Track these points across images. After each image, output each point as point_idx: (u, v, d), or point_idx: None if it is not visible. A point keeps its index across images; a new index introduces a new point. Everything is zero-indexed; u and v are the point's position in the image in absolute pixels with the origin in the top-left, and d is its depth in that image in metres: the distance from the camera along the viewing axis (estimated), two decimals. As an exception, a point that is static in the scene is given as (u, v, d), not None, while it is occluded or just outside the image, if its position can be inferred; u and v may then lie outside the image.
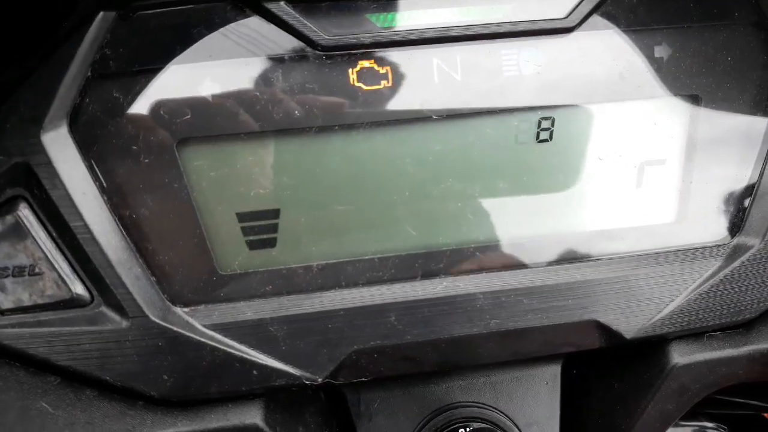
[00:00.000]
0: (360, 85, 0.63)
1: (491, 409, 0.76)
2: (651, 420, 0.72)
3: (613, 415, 0.75)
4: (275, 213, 0.64)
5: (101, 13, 0.58)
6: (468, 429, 0.71)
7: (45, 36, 0.65)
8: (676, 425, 0.99)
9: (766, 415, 1.01)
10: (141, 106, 0.60)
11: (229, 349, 0.63)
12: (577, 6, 0.63)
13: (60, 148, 0.58)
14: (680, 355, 0.70)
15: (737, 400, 0.87)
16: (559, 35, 0.64)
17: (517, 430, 0.75)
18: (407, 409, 0.76)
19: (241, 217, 0.64)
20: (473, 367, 0.75)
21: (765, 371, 0.71)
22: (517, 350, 0.69)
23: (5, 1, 0.60)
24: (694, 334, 0.71)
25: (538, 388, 0.77)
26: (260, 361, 0.63)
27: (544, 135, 0.66)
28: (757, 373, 0.71)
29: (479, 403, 0.77)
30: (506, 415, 0.76)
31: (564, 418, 0.78)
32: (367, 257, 0.66)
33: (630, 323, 0.68)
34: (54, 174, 0.58)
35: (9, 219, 0.59)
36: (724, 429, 1.00)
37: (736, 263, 0.69)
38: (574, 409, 0.79)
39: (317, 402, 0.76)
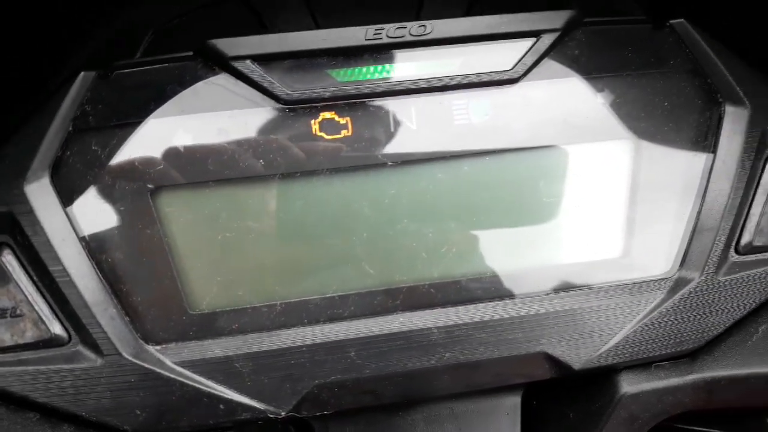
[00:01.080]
0: (322, 134, 0.70)
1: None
2: None
3: None
4: (241, 255, 0.71)
5: (82, 73, 0.66)
6: None
7: (32, 94, 0.73)
8: None
9: None
10: (117, 158, 0.67)
11: (197, 385, 0.69)
12: (522, 59, 0.71)
13: (42, 197, 0.65)
14: (629, 385, 0.77)
15: (696, 428, 0.94)
16: (505, 86, 0.72)
17: None
18: None
19: (210, 259, 0.71)
20: (436, 399, 0.81)
21: (710, 399, 0.77)
22: (471, 382, 0.76)
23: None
24: (642, 364, 0.78)
25: (499, 418, 0.83)
26: (227, 396, 0.70)
27: (494, 177, 0.74)
28: (702, 401, 0.77)
29: None
30: (468, 446, 0.82)
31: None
32: (327, 295, 0.73)
33: (578, 355, 0.75)
34: (35, 222, 0.65)
35: None
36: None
37: (678, 296, 0.76)
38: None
39: (285, 435, 0.82)
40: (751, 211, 0.78)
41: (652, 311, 0.76)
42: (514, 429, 0.81)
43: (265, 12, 0.85)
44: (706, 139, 0.76)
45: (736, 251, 0.78)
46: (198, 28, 0.85)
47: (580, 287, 0.76)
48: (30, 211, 0.65)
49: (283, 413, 0.71)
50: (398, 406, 0.80)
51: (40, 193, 0.65)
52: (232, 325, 0.71)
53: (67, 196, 0.66)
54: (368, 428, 0.80)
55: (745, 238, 0.78)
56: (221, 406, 0.69)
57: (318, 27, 0.85)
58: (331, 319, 0.73)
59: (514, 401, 0.82)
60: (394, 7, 0.86)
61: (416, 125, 0.71)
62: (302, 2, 0.86)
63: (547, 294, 0.76)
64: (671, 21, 0.75)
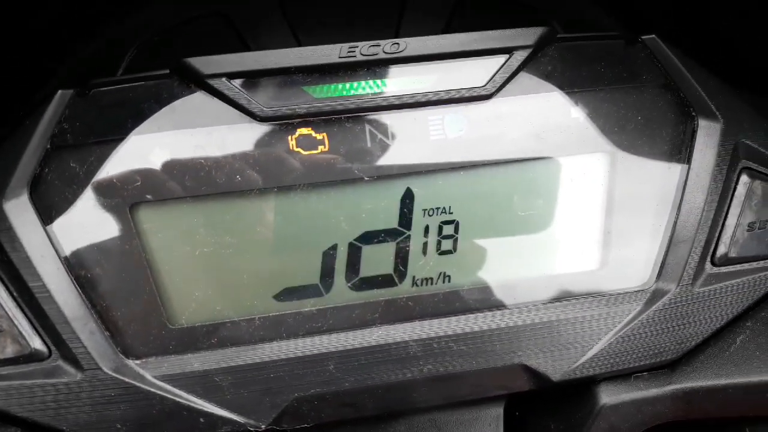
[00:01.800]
0: (299, 150, 0.71)
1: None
2: None
3: None
4: (220, 270, 0.73)
5: (60, 91, 0.68)
6: None
7: (11, 112, 0.75)
8: None
9: None
10: (96, 175, 0.68)
11: (177, 399, 0.70)
12: (494, 75, 0.73)
13: (20, 214, 0.66)
14: (608, 396, 0.78)
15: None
16: (479, 102, 0.74)
17: None
18: None
19: (189, 274, 0.72)
20: (419, 411, 0.83)
21: (689, 410, 0.78)
22: (450, 394, 0.77)
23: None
24: (621, 375, 0.79)
25: (481, 429, 0.84)
26: (206, 410, 0.71)
27: (470, 192, 0.75)
28: (682, 411, 0.78)
29: None
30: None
31: (506, 459, 0.85)
32: (306, 309, 0.74)
33: (556, 366, 0.76)
34: (15, 238, 0.66)
35: None
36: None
37: (655, 307, 0.77)
38: (515, 450, 0.87)
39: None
40: (726, 223, 0.79)
41: (629, 323, 0.77)
42: None
43: (246, 30, 0.87)
44: (680, 153, 0.78)
45: (712, 263, 0.79)
46: (180, 45, 0.87)
47: (558, 299, 0.78)
48: (9, 228, 0.66)
49: (263, 426, 0.72)
50: (380, 417, 0.81)
51: (19, 211, 0.66)
52: (211, 339, 0.72)
53: (46, 213, 0.68)
54: (350, 441, 0.81)
55: (721, 250, 0.79)
56: (201, 420, 0.70)
57: (299, 44, 0.87)
58: (310, 333, 0.74)
59: (496, 412, 0.83)
60: (374, 24, 0.88)
61: (392, 140, 0.73)
62: (283, 20, 0.88)
63: (525, 306, 0.77)
64: (643, 37, 0.77)
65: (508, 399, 0.84)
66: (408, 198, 0.74)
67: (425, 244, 0.76)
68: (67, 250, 0.69)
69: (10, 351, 0.68)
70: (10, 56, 0.79)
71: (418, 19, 0.92)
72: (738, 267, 0.80)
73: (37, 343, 0.69)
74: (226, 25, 0.90)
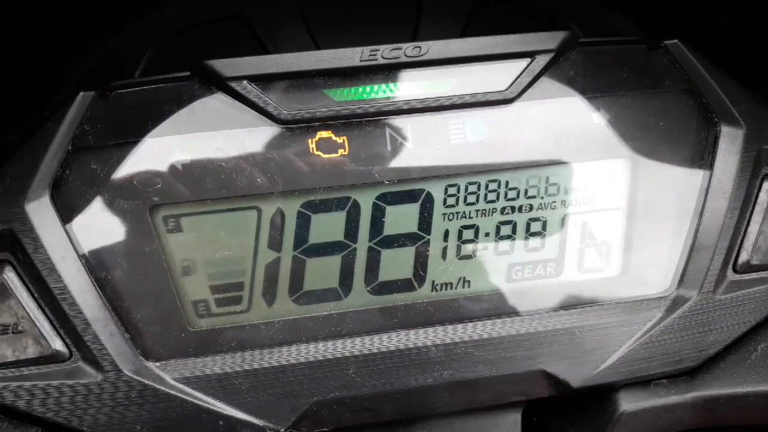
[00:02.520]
0: (319, 153, 0.72)
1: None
2: None
3: None
4: (240, 273, 0.73)
5: (81, 93, 0.68)
6: None
7: (30, 113, 0.75)
8: None
9: None
10: (116, 177, 0.69)
11: (197, 401, 0.71)
12: (516, 79, 0.73)
13: (42, 216, 0.67)
14: (628, 403, 0.78)
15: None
16: (501, 106, 0.74)
17: None
18: None
19: (209, 277, 0.73)
20: (436, 416, 0.83)
21: (710, 417, 0.78)
22: (469, 400, 0.77)
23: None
24: (641, 382, 0.79)
25: None
26: (225, 413, 0.71)
27: (491, 196, 0.76)
28: (702, 419, 0.78)
29: None
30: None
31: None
32: (325, 313, 0.75)
33: (576, 373, 0.76)
34: (36, 240, 0.67)
35: None
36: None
37: (677, 314, 0.77)
38: (533, 457, 0.87)
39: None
40: (749, 230, 0.79)
41: (650, 329, 0.77)
42: None
43: (263, 31, 0.88)
44: (702, 159, 0.78)
45: (734, 270, 0.79)
46: (198, 47, 0.87)
47: (579, 305, 0.78)
48: (30, 229, 0.67)
49: (282, 430, 0.72)
50: (398, 422, 0.81)
51: (41, 212, 0.67)
52: (230, 342, 0.73)
53: (66, 214, 0.68)
54: (366, 446, 0.81)
55: (743, 257, 0.79)
56: (221, 422, 0.71)
57: (317, 46, 0.88)
58: (329, 337, 0.74)
59: (514, 418, 0.83)
60: (391, 26, 0.89)
61: (413, 144, 0.73)
62: (301, 22, 0.88)
63: (546, 312, 0.77)
64: (665, 42, 0.77)
65: (526, 405, 0.84)
66: (428, 202, 0.74)
67: (445, 249, 0.76)
68: (88, 251, 0.69)
69: (31, 352, 0.69)
70: (23, 58, 0.80)
71: (435, 21, 0.93)
72: (760, 274, 0.80)
73: (58, 345, 0.69)
74: (244, 27, 0.91)
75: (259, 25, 0.90)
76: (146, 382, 0.70)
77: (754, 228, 0.79)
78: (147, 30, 0.89)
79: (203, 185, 0.70)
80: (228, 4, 0.90)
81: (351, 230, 0.74)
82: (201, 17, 0.90)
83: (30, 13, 0.75)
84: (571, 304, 0.78)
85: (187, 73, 0.70)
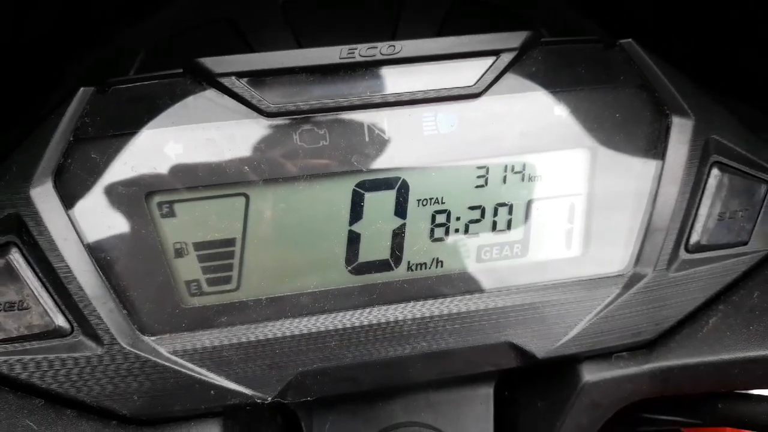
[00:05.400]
0: (302, 144, 0.78)
1: (431, 428, 0.91)
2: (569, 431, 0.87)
3: (537, 429, 0.90)
4: (229, 254, 0.80)
5: (82, 88, 0.74)
6: None
7: (31, 108, 0.82)
8: None
9: (683, 429, 1.16)
10: (114, 165, 0.74)
11: (190, 372, 0.76)
12: (483, 75, 0.80)
13: (45, 201, 0.72)
14: (590, 374, 0.85)
15: (660, 417, 1.03)
16: (469, 100, 0.80)
17: None
18: (355, 429, 0.90)
19: (200, 258, 0.79)
20: (414, 389, 0.90)
21: (666, 387, 0.85)
22: (443, 370, 0.84)
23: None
24: (602, 354, 0.86)
25: (473, 407, 0.91)
26: (217, 383, 0.76)
27: (461, 183, 0.83)
28: (659, 388, 0.85)
29: (420, 422, 0.91)
30: (443, 433, 0.91)
31: (497, 434, 0.92)
32: (309, 291, 0.80)
33: (541, 344, 0.83)
34: (40, 223, 0.72)
35: (1, 262, 0.73)
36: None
37: (633, 290, 0.84)
38: (505, 427, 0.94)
39: (273, 424, 0.89)
40: (699, 213, 0.86)
41: (609, 304, 0.84)
42: (487, 416, 0.89)
43: (249, 32, 0.95)
44: (655, 148, 0.85)
45: (686, 249, 0.87)
46: (188, 48, 0.94)
47: (542, 283, 0.84)
48: (35, 213, 0.72)
49: (269, 398, 0.77)
50: (378, 395, 0.88)
51: (44, 197, 0.72)
52: (221, 318, 0.78)
53: (68, 199, 0.73)
54: (350, 417, 0.87)
55: (694, 238, 0.87)
56: (212, 392, 0.76)
57: (300, 46, 0.95)
58: (313, 312, 0.80)
59: (486, 391, 0.90)
60: (371, 28, 0.97)
61: (389, 135, 0.80)
62: (285, 24, 0.96)
63: (512, 289, 0.83)
64: (621, 41, 0.84)
65: (498, 379, 0.91)
66: (403, 188, 0.80)
67: (419, 232, 0.82)
68: (88, 234, 0.74)
69: (36, 327, 0.74)
70: (25, 59, 0.86)
71: (413, 24, 1.00)
72: (710, 254, 0.87)
73: (60, 320, 0.75)
74: (232, 30, 0.98)
75: (247, 27, 0.97)
76: (143, 354, 0.75)
77: (703, 211, 0.86)
78: (141, 33, 0.95)
79: (195, 173, 0.76)
80: (217, 9, 0.98)
81: (332, 215, 0.80)
82: (192, 21, 0.98)
83: (32, 18, 0.82)
84: (536, 282, 0.84)
85: (180, 70, 0.75)
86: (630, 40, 0.83)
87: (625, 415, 0.89)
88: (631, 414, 0.93)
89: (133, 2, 0.93)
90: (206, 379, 0.76)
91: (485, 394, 0.89)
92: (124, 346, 0.74)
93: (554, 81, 0.81)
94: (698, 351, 0.84)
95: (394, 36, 0.97)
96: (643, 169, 0.85)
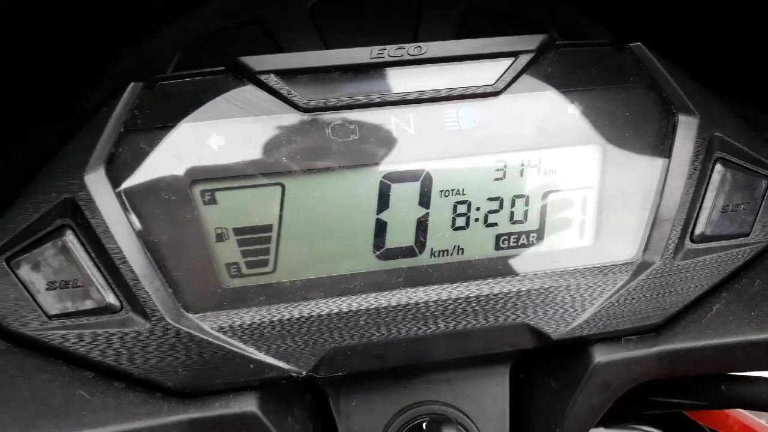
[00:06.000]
0: (334, 137, 0.84)
1: (450, 405, 0.97)
2: (581, 411, 0.90)
3: (550, 407, 0.94)
4: (266, 239, 0.86)
5: (132, 84, 0.81)
6: (428, 421, 0.92)
7: (78, 102, 0.89)
8: (612, 428, 1.19)
9: (687, 413, 1.22)
10: (161, 155, 0.80)
11: (230, 347, 0.81)
12: (502, 75, 0.86)
13: (99, 187, 0.78)
14: (601, 355, 0.90)
15: (666, 399, 1.08)
16: (489, 98, 0.86)
17: (471, 423, 0.96)
18: (380, 406, 0.95)
19: (240, 242, 0.84)
20: (434, 370, 0.96)
21: (672, 368, 0.91)
22: (464, 349, 0.89)
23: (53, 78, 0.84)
24: (612, 337, 0.91)
25: (489, 387, 0.97)
26: (256, 357, 0.81)
27: (481, 176, 0.89)
28: (666, 370, 0.90)
29: (440, 401, 0.97)
30: (463, 411, 0.96)
31: (512, 414, 0.98)
32: (340, 274, 0.85)
33: (555, 327, 0.88)
34: (94, 207, 0.78)
35: (58, 242, 0.78)
36: (656, 433, 1.21)
37: (642, 276, 0.89)
38: (520, 406, 0.99)
39: (304, 400, 0.94)
40: (703, 206, 0.92)
41: (619, 290, 0.89)
42: (503, 395, 0.95)
43: (279, 33, 1.02)
44: (662, 144, 0.91)
45: (691, 240, 0.92)
46: (221, 48, 1.01)
47: (556, 269, 0.90)
48: (89, 198, 0.78)
49: (303, 372, 0.83)
50: (401, 375, 0.94)
51: (98, 183, 0.78)
52: (259, 298, 0.84)
53: (119, 185, 0.79)
54: (375, 394, 0.93)
55: (698, 229, 0.92)
56: (251, 366, 0.81)
57: (326, 46, 1.02)
58: (344, 293, 0.85)
59: (503, 372, 0.96)
60: (393, 29, 1.03)
61: (414, 130, 0.86)
62: (312, 25, 1.03)
63: (528, 275, 0.89)
64: (630, 44, 0.90)
65: (515, 361, 0.97)
66: (427, 180, 0.86)
67: (442, 221, 0.88)
68: (137, 217, 0.80)
69: (88, 304, 0.80)
70: (72, 57, 0.93)
71: (432, 27, 1.07)
72: (713, 244, 0.92)
73: (111, 298, 0.80)
74: (262, 31, 1.05)
75: (276, 28, 1.04)
76: (187, 330, 0.80)
77: (708, 204, 0.91)
78: (177, 34, 1.02)
79: (235, 164, 0.81)
80: (249, 12, 1.05)
81: (361, 204, 0.85)
82: (225, 23, 1.05)
83: (78, 20, 0.89)
84: (550, 269, 0.91)
85: (222, 68, 0.82)
86: (639, 43, 0.89)
87: (632, 397, 0.94)
88: (637, 396, 0.98)
89: (170, 6, 0.99)
90: (246, 353, 0.81)
91: (502, 374, 0.95)
92: (170, 322, 0.80)
93: (568, 81, 0.87)
94: (703, 335, 0.89)
95: (415, 38, 1.03)
96: (651, 164, 0.90)
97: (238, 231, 0.83)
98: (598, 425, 0.96)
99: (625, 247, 0.91)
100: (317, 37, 1.03)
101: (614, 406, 0.93)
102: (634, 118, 0.89)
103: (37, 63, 0.82)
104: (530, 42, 0.85)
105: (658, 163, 0.90)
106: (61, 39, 0.84)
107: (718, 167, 0.92)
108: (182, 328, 0.80)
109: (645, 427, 1.18)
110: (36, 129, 0.86)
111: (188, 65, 0.94)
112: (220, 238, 0.83)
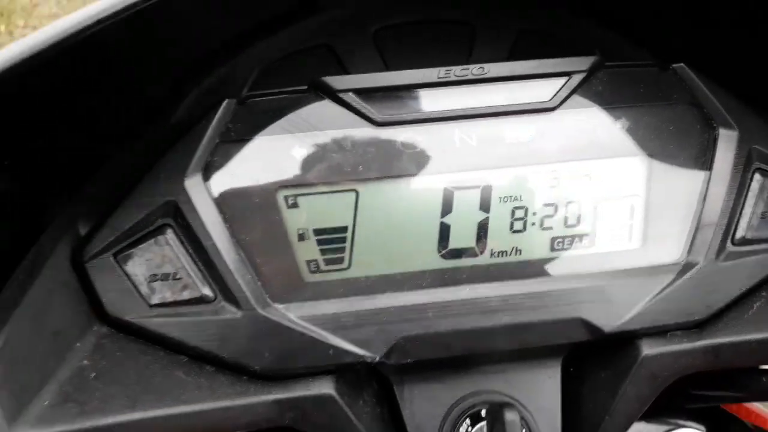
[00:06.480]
0: (404, 149, 0.91)
1: (505, 395, 1.04)
2: (629, 400, 0.95)
3: (600, 397, 1.01)
4: (342, 239, 0.93)
5: (226, 100, 0.91)
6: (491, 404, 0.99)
7: (163, 118, 0.99)
8: (655, 423, 1.26)
9: (726, 407, 1.28)
10: (251, 163, 0.89)
11: (312, 334, 0.89)
12: (557, 92, 0.94)
13: (197, 191, 0.87)
14: (649, 348, 0.95)
15: (708, 393, 1.15)
16: (545, 113, 0.95)
17: (527, 411, 1.03)
18: (440, 395, 1.02)
19: (319, 242, 0.93)
20: (491, 363, 1.03)
21: (716, 361, 0.95)
22: (522, 341, 0.96)
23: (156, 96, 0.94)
24: (659, 332, 0.96)
25: (543, 379, 1.04)
26: (335, 343, 0.89)
27: (538, 184, 0.98)
28: (710, 363, 0.95)
29: (497, 391, 1.05)
30: (517, 401, 1.04)
31: (563, 404, 1.04)
32: (408, 270, 0.93)
33: (607, 320, 0.93)
34: (193, 209, 0.87)
35: (160, 240, 0.88)
36: (700, 429, 1.27)
37: (686, 276, 0.95)
38: (571, 397, 1.06)
39: (371, 387, 1.04)
40: (743, 212, 0.98)
41: (665, 288, 0.95)
42: (555, 386, 1.02)
43: (344, 56, 1.12)
44: (704, 156, 0.97)
45: (732, 243, 0.98)
46: (293, 69, 1.11)
47: (607, 269, 0.97)
48: (189, 201, 0.87)
49: (377, 358, 0.90)
50: (459, 366, 1.02)
51: (196, 188, 0.87)
52: (338, 290, 0.92)
53: (214, 190, 0.89)
54: (436, 383, 1.01)
55: (739, 233, 0.99)
56: (330, 351, 0.89)
57: (387, 67, 1.11)
58: (413, 288, 0.93)
59: (555, 365, 1.03)
60: (448, 52, 1.13)
61: (476, 142, 0.94)
62: (375, 49, 1.13)
63: (582, 274, 0.96)
64: (673, 65, 0.98)
65: (567, 355, 1.05)
66: (487, 187, 0.93)
67: (501, 225, 0.95)
68: (231, 219, 0.89)
69: (185, 295, 0.88)
70: (161, 81, 1.04)
71: (485, 49, 1.16)
72: (754, 247, 0.98)
73: (206, 290, 0.89)
74: (329, 53, 1.16)
75: (342, 51, 1.14)
76: (274, 318, 0.88)
77: (747, 210, 0.97)
78: (254, 55, 1.13)
79: (315, 172, 0.90)
80: (317, 36, 1.15)
81: (427, 208, 0.93)
82: (296, 47, 1.15)
83: (179, 48, 0.99)
84: (602, 269, 0.98)
85: (305, 87, 0.92)
86: (682, 64, 0.97)
87: (676, 389, 1.01)
88: (681, 388, 1.05)
89: (248, 33, 1.10)
90: (326, 340, 0.89)
91: (554, 367, 1.02)
92: (259, 311, 0.88)
93: (616, 99, 0.95)
94: (745, 330, 0.94)
95: (469, 59, 1.13)
96: (693, 174, 0.97)
97: (317, 231, 0.92)
98: (640, 419, 1.03)
99: (671, 250, 0.98)
100: (379, 58, 1.12)
101: (657, 399, 0.99)
102: (678, 133, 0.96)
103: (138, 86, 0.93)
104: (582, 63, 0.93)
105: (701, 173, 0.97)
106: (161, 65, 0.95)
107: (757, 177, 0.98)
108: (269, 316, 0.88)
109: (685, 422, 1.24)
110: (130, 141, 0.96)
111: (263, 84, 1.04)
112: (301, 237, 0.92)
